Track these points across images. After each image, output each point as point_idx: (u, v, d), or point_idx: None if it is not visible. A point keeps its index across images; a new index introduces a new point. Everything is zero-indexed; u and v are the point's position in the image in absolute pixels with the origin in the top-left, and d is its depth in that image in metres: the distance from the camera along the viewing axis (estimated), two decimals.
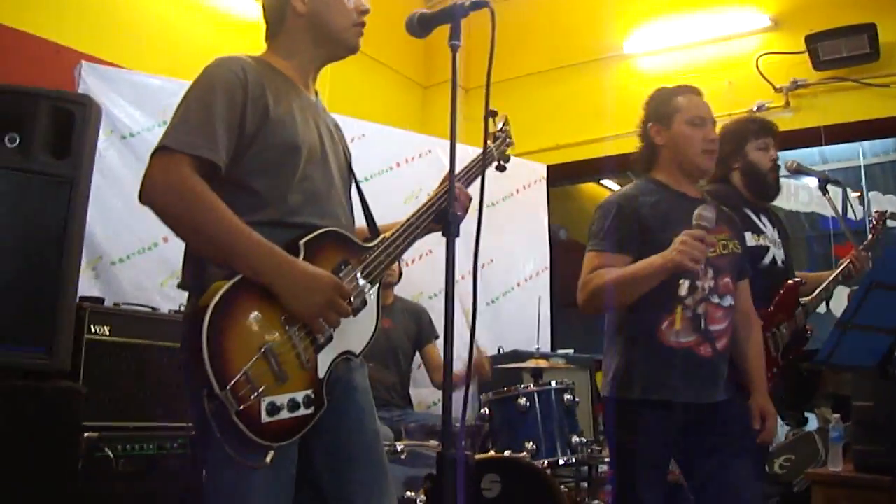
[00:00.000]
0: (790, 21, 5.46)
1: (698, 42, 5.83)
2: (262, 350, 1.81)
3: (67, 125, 3.01)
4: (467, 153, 5.52)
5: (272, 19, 2.23)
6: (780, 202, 4.88)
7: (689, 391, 2.72)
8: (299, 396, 1.87)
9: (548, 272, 5.77)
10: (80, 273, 3.90)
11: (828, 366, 2.89)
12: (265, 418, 1.78)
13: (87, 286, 3.94)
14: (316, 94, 2.30)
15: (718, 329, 2.78)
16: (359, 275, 2.08)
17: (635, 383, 2.74)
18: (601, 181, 6.64)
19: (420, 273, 5.18)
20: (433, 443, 3.72)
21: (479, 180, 2.31)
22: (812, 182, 3.88)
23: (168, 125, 1.91)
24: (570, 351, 5.43)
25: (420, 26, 2.13)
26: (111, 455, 3.30)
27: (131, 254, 4.17)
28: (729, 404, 2.80)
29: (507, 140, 2.71)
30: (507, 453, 3.47)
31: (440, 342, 4.81)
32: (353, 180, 2.34)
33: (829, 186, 3.67)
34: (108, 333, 3.45)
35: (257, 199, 1.98)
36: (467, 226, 5.32)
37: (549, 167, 6.08)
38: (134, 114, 4.22)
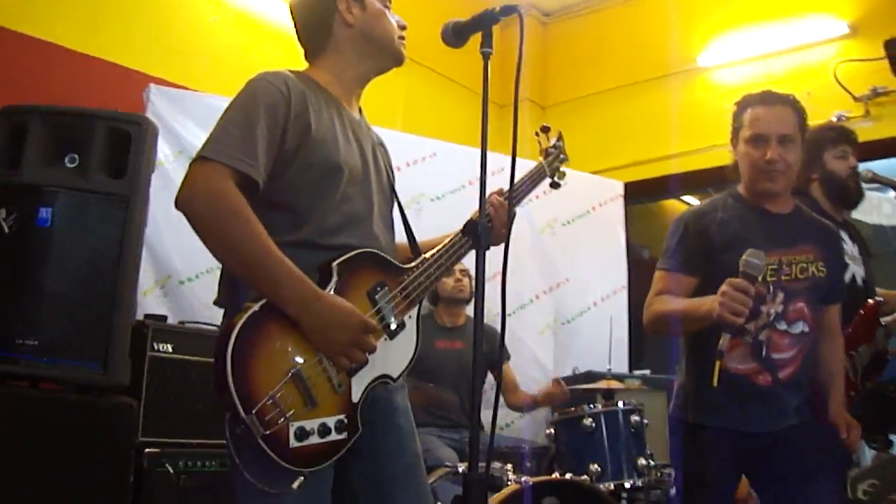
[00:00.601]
0: (868, 27, 5.24)
1: (774, 52, 5.66)
2: (291, 374, 1.78)
3: (124, 145, 3.07)
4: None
5: (317, 34, 2.21)
6: (864, 215, 4.66)
7: (743, 419, 2.65)
8: (331, 421, 1.83)
9: (625, 291, 5.62)
10: (149, 292, 4.07)
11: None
12: (294, 443, 1.75)
13: (155, 304, 4.03)
14: (360, 111, 2.28)
15: (782, 358, 2.68)
16: (397, 297, 2.03)
17: (691, 406, 2.70)
18: (682, 198, 6.46)
19: (491, 293, 5.08)
20: (497, 465, 3.64)
21: (529, 192, 2.33)
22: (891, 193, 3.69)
23: (209, 136, 1.90)
24: (647, 372, 5.26)
25: (455, 35, 2.08)
26: (172, 471, 3.32)
27: (199, 273, 4.20)
28: (801, 428, 2.66)
29: (561, 156, 2.69)
30: (568, 476, 3.35)
31: (513, 362, 4.75)
32: (396, 200, 2.31)
33: None
34: (171, 351, 3.48)
35: (295, 219, 1.96)
36: (542, 246, 5.31)
37: (627, 184, 5.95)
38: (201, 135, 4.21)
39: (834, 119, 5.17)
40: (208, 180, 1.82)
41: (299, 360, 1.81)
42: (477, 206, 1.97)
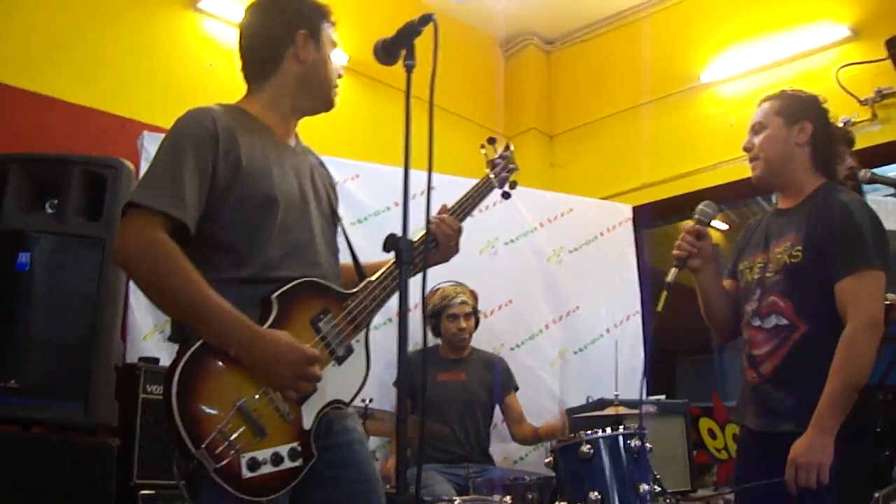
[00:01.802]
0: (869, 28, 5.11)
1: (776, 62, 5.55)
2: (236, 407, 1.81)
3: (100, 188, 3.13)
4: (543, 198, 5.44)
5: (265, 62, 2.20)
6: None
7: (747, 417, 2.75)
8: (283, 450, 1.86)
9: (639, 316, 5.50)
10: (149, 335, 4.10)
11: (883, 392, 2.54)
12: (246, 473, 1.78)
13: (154, 348, 4.04)
14: (296, 137, 2.29)
15: (760, 353, 2.68)
16: (342, 322, 2.05)
17: None
18: None
19: (500, 323, 5.09)
20: (496, 497, 3.58)
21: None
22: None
23: (139, 181, 1.95)
24: (662, 397, 5.14)
25: (385, 54, 2.06)
26: None
27: None
28: (793, 437, 2.53)
29: (510, 166, 2.65)
30: None
31: (521, 393, 4.68)
32: (338, 222, 2.31)
33: None
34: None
35: (236, 256, 1.98)
36: (550, 275, 5.27)
37: (637, 208, 5.88)
38: None
39: (841, 125, 5.05)
40: (139, 232, 1.85)
41: (244, 393, 1.83)
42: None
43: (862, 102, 5.04)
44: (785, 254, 2.66)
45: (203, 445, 1.72)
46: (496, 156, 2.65)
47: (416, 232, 1.99)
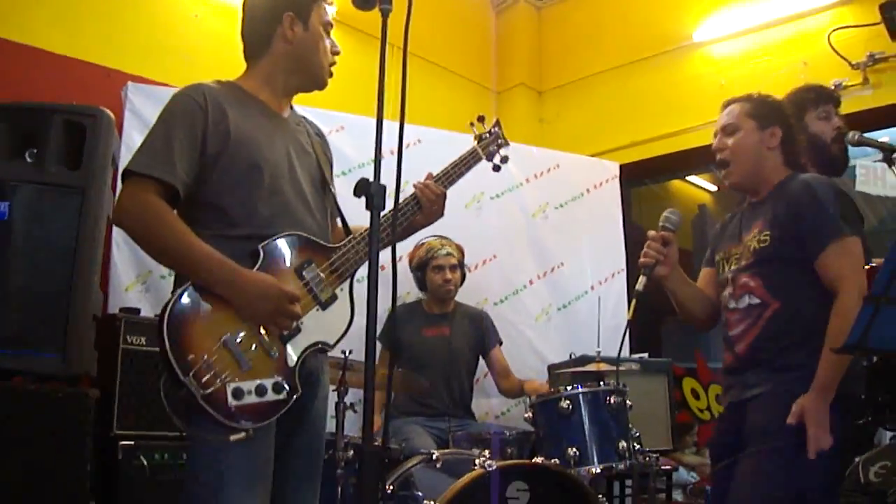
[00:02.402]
0: None
1: (769, 23, 5.49)
2: (222, 340, 2.01)
3: (80, 137, 3.10)
4: (529, 153, 5.43)
5: (257, 41, 2.37)
6: (867, 187, 4.48)
7: (724, 400, 2.80)
8: (268, 383, 2.05)
9: (624, 274, 5.51)
10: (130, 287, 4.10)
11: (861, 351, 2.52)
12: (231, 402, 1.97)
13: (135, 299, 4.05)
14: (291, 109, 2.47)
15: (735, 333, 2.72)
16: (325, 271, 2.24)
17: None
18: (686, 177, 6.35)
19: (484, 278, 5.10)
20: (475, 451, 3.59)
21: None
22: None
23: (136, 150, 2.13)
24: (644, 355, 5.16)
25: None
26: (146, 464, 3.34)
27: None
28: (759, 399, 2.56)
29: (499, 141, 2.85)
30: (538, 460, 3.29)
31: (504, 349, 4.69)
32: (330, 191, 2.46)
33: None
34: (144, 343, 3.49)
35: (229, 217, 2.17)
36: (535, 231, 5.26)
37: (625, 166, 5.86)
38: None
39: (832, 88, 5.02)
40: (132, 196, 2.08)
41: (229, 329, 2.03)
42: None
43: (854, 66, 5.00)
44: (754, 240, 2.69)
45: (191, 373, 1.92)
46: (485, 131, 2.82)
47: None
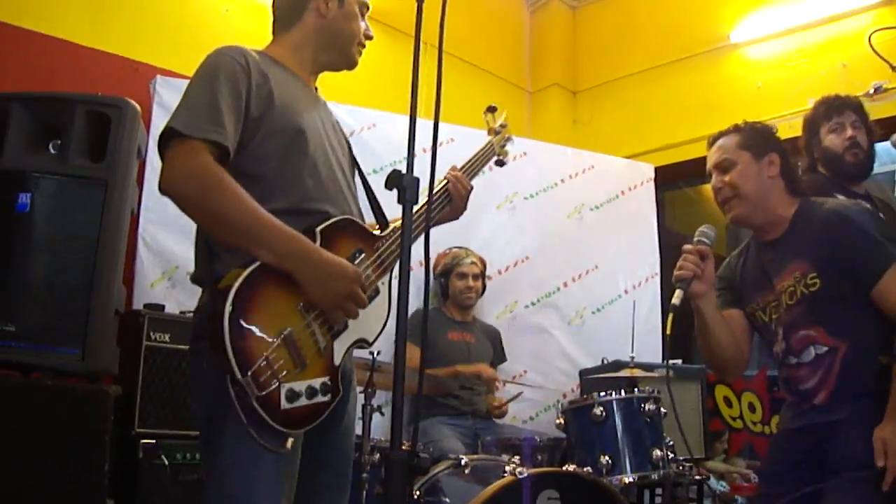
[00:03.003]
0: None
1: (807, 24, 5.39)
2: (283, 336, 1.80)
3: (104, 129, 3.05)
4: (563, 154, 5.35)
5: (289, 11, 2.25)
6: None
7: (795, 421, 2.66)
8: (317, 383, 1.86)
9: (657, 279, 5.40)
10: (156, 283, 4.04)
11: None
12: (284, 405, 1.78)
13: (161, 295, 3.99)
14: (316, 90, 2.33)
15: (809, 388, 2.58)
16: (373, 263, 2.08)
17: None
18: None
19: (515, 280, 5.05)
20: (504, 457, 3.50)
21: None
22: None
23: (175, 111, 1.91)
24: (678, 362, 5.05)
25: None
26: (167, 463, 3.28)
27: None
28: (846, 422, 2.45)
29: (508, 137, 2.76)
30: (571, 468, 3.18)
31: (534, 352, 4.64)
32: (359, 171, 2.35)
33: None
34: (168, 340, 3.44)
35: (268, 187, 1.97)
36: (569, 233, 5.18)
37: (659, 168, 5.76)
38: None
39: (872, 91, 4.87)
40: (184, 159, 1.84)
41: (291, 322, 1.84)
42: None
43: (894, 68, 4.85)
44: (799, 285, 2.55)
45: (250, 372, 1.71)
46: (496, 124, 2.73)
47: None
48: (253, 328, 1.76)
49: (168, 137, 1.87)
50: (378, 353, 3.20)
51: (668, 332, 2.54)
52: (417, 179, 1.81)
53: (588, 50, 6.75)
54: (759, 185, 2.64)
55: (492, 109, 2.72)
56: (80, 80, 4.11)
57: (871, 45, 4.93)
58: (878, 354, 2.42)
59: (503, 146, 2.71)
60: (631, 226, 5.48)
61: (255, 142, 1.98)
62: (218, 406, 1.77)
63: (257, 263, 1.81)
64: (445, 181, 2.36)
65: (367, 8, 2.33)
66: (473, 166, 2.48)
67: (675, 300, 2.55)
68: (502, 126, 2.73)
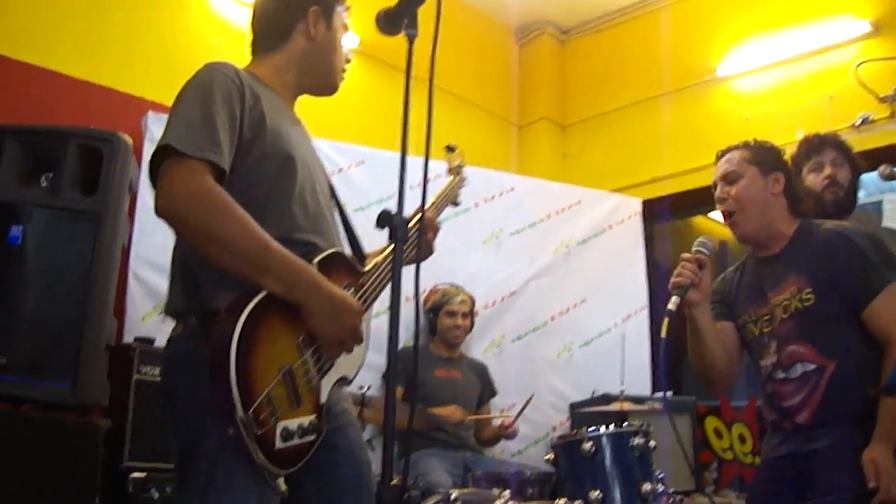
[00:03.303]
0: (891, 24, 5.00)
1: (794, 57, 5.46)
2: (283, 372, 1.72)
3: (96, 162, 3.06)
4: (550, 189, 5.40)
5: (276, 32, 2.16)
6: (895, 222, 4.37)
7: (780, 448, 2.67)
8: (306, 422, 1.77)
9: (646, 312, 5.43)
10: (147, 316, 4.04)
11: None
12: (279, 444, 1.68)
13: (152, 329, 3.97)
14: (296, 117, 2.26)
15: (792, 404, 2.59)
16: (358, 300, 1.98)
17: None
18: (709, 214, 6.25)
19: (503, 314, 5.07)
20: (495, 491, 3.50)
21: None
22: None
23: (169, 127, 1.80)
24: (668, 394, 5.05)
25: (387, 23, 1.97)
26: (157, 496, 3.27)
27: None
28: (823, 452, 2.48)
29: (464, 176, 2.68)
30: (561, 502, 3.18)
31: (523, 386, 4.65)
32: (338, 204, 2.26)
33: None
34: (158, 374, 3.42)
35: (258, 215, 1.82)
36: (557, 267, 5.21)
37: (647, 202, 5.80)
38: None
39: (858, 123, 4.95)
40: (185, 181, 1.73)
41: (290, 357, 1.76)
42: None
43: (881, 100, 4.94)
44: (794, 299, 2.58)
45: (251, 410, 1.61)
46: (455, 164, 2.66)
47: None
48: (257, 363, 1.66)
49: (164, 155, 1.75)
50: (368, 388, 3.22)
51: (663, 335, 2.48)
52: (408, 220, 1.78)
53: (577, 83, 6.78)
54: (763, 199, 2.68)
55: (450, 149, 2.67)
56: (73, 112, 4.11)
57: (858, 78, 5.04)
58: (865, 380, 2.44)
59: (461, 187, 2.66)
60: (619, 259, 5.51)
61: (246, 165, 1.89)
62: (202, 442, 1.70)
63: (263, 293, 1.72)
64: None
65: (347, 30, 2.26)
66: (440, 206, 2.45)
67: (671, 306, 2.53)
68: (460, 166, 2.68)
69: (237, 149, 1.86)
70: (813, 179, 3.20)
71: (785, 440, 2.62)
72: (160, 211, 1.74)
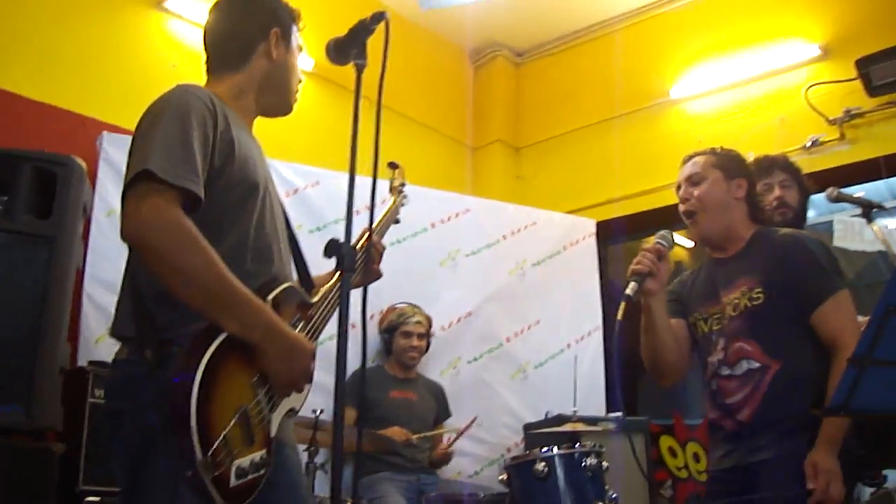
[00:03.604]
0: (840, 48, 5.13)
1: (746, 80, 5.57)
2: (239, 414, 1.72)
3: (50, 186, 3.06)
4: (505, 210, 5.43)
5: (234, 52, 2.14)
6: (845, 242, 4.47)
7: (722, 462, 2.69)
8: (257, 457, 1.77)
9: (600, 332, 5.48)
10: (101, 339, 4.01)
11: (846, 412, 2.51)
12: (233, 482, 1.68)
13: (106, 352, 3.90)
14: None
15: (735, 401, 2.64)
16: (307, 333, 2.00)
17: None
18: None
19: (458, 335, 5.08)
20: None
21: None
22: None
23: (144, 148, 1.76)
24: (620, 415, 5.11)
25: (337, 52, 2.02)
26: None
27: None
28: (775, 461, 2.51)
29: (405, 196, 2.70)
30: None
31: (478, 408, 4.67)
32: (288, 229, 2.25)
33: (874, 215, 3.32)
34: None
35: (215, 240, 1.81)
36: (511, 288, 5.24)
37: (602, 223, 5.86)
38: None
39: (808, 144, 5.07)
40: (157, 209, 1.70)
41: (245, 397, 1.76)
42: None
43: (830, 122, 5.06)
44: (744, 298, 2.65)
45: (210, 452, 1.61)
46: (397, 183, 2.68)
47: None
48: (215, 406, 1.66)
49: (139, 178, 1.71)
50: (321, 412, 3.22)
51: (620, 317, 2.51)
52: (355, 248, 1.83)
53: (531, 106, 6.83)
54: (725, 202, 2.76)
55: (393, 166, 2.68)
56: (27, 133, 4.08)
57: (808, 100, 5.16)
58: (809, 385, 2.49)
59: (402, 205, 2.67)
60: (573, 280, 5.55)
61: (213, 193, 1.84)
62: (145, 478, 1.71)
63: (224, 336, 1.72)
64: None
65: (301, 50, 2.28)
66: (383, 228, 2.49)
67: (629, 291, 2.57)
68: (402, 185, 2.70)
69: (208, 176, 1.84)
70: (763, 199, 3.27)
71: (729, 452, 2.66)
72: (126, 235, 1.72)
